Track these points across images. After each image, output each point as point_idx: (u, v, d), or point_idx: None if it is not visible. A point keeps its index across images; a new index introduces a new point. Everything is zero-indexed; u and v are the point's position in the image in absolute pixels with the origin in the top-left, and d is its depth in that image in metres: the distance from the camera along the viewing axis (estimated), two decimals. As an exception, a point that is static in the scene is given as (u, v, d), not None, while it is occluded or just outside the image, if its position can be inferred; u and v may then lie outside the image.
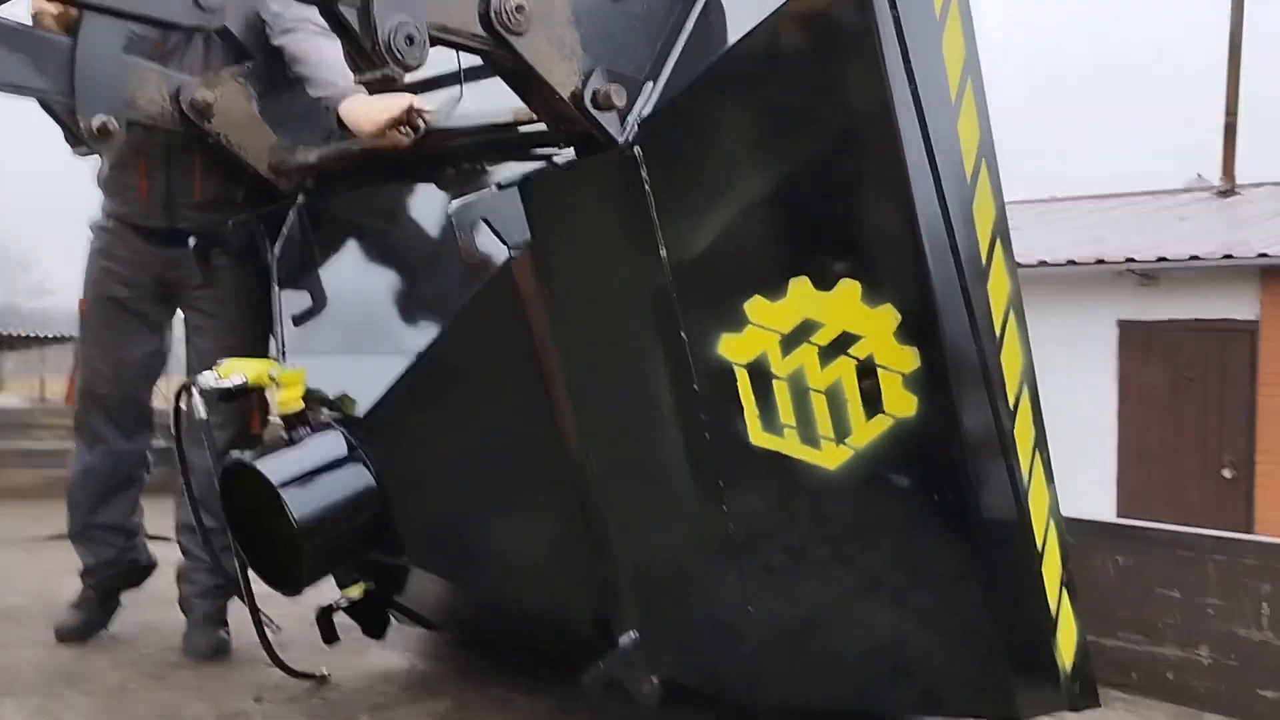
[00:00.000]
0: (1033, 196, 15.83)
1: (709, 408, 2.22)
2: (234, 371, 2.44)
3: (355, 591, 2.55)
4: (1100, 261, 9.84)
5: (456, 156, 2.56)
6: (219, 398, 2.48)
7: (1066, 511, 3.31)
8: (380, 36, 1.80)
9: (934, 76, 2.18)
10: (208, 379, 2.48)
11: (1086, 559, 3.15)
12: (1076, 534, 3.13)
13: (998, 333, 2.31)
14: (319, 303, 2.77)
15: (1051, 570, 2.41)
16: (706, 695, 2.40)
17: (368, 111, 2.55)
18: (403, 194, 2.72)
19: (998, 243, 2.32)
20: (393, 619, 2.96)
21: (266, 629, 2.72)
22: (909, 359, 2.24)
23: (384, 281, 2.62)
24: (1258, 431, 9.13)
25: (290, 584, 2.37)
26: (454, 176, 2.59)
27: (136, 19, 2.40)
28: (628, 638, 2.30)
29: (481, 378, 2.30)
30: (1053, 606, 2.41)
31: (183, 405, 2.65)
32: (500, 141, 2.47)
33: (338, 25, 1.84)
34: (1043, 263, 10.26)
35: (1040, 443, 2.39)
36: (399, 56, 1.82)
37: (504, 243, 2.08)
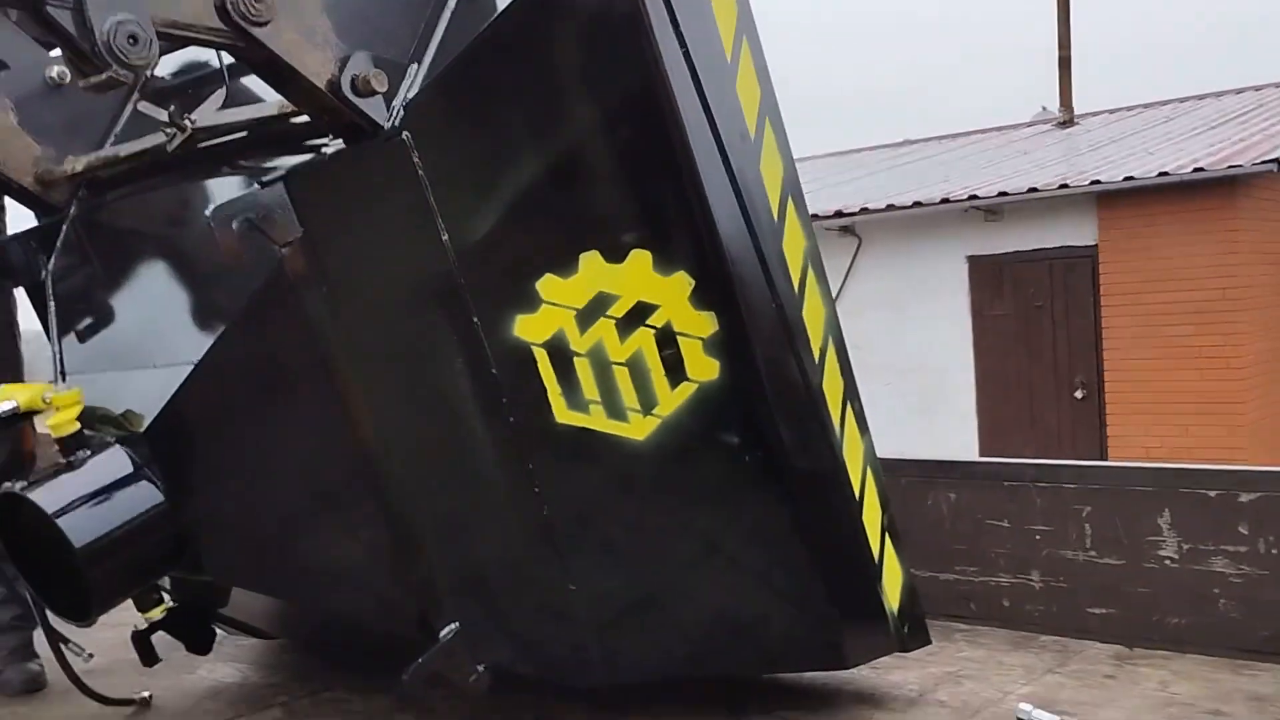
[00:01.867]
0: (885, 141, 16.11)
1: (510, 391, 2.17)
2: (4, 398, 2.30)
3: (157, 613, 2.45)
4: (945, 200, 10.04)
5: (227, 154, 2.45)
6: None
7: (897, 453, 3.39)
8: (99, 37, 1.69)
9: (707, 40, 2.16)
10: (-24, 407, 2.33)
11: (920, 498, 3.20)
12: (906, 475, 3.19)
13: (796, 289, 2.31)
14: (99, 317, 2.64)
15: (872, 517, 2.44)
16: (537, 680, 2.37)
17: None
18: (175, 197, 2.60)
19: (789, 200, 2.31)
20: (220, 631, 2.86)
21: (78, 657, 2.60)
22: (707, 323, 2.22)
23: (162, 289, 2.50)
24: (1103, 352, 9.45)
25: (81, 612, 2.26)
26: (226, 174, 2.48)
27: None
28: (448, 630, 2.23)
29: (266, 381, 2.21)
30: (875, 552, 2.43)
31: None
32: (271, 136, 2.36)
33: (49, 28, 1.72)
34: (891, 206, 10.42)
35: (850, 393, 2.41)
36: (122, 57, 1.71)
37: (273, 241, 1.98)
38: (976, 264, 10.39)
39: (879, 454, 2.48)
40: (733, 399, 2.25)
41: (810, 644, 2.43)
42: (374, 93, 1.99)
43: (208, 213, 1.93)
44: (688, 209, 2.17)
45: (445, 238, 2.08)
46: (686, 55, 2.11)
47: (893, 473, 2.70)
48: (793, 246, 2.30)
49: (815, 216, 11.72)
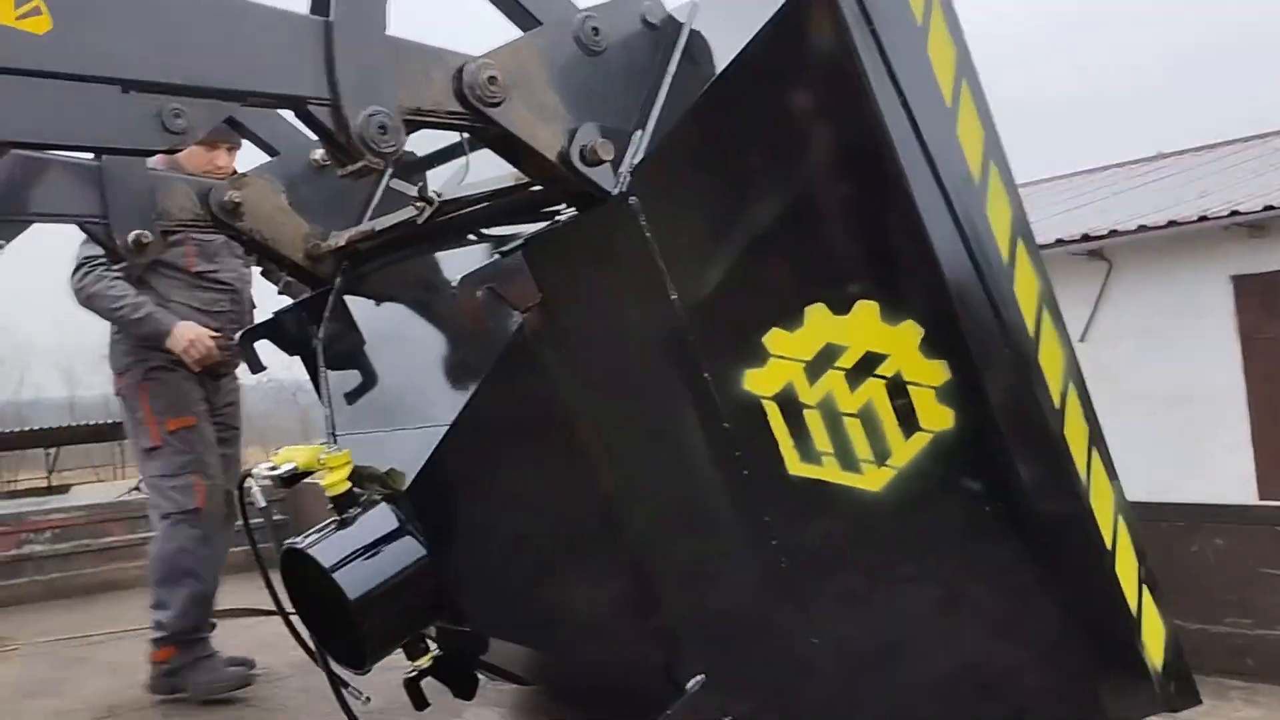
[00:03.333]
0: (1135, 156, 15.31)
1: (743, 444, 2.19)
2: (286, 460, 2.51)
3: (425, 662, 2.59)
4: (1203, 218, 9.44)
5: (471, 224, 2.60)
6: (276, 484, 2.56)
7: (1165, 496, 3.21)
8: (353, 130, 1.84)
9: (924, 85, 2.14)
10: (263, 468, 2.56)
11: (1183, 544, 3.01)
12: (1166, 519, 3.01)
13: (1031, 332, 2.24)
14: (363, 380, 2.84)
15: (1127, 568, 2.32)
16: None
17: (184, 349, 3.63)
18: (425, 265, 2.77)
19: (1019, 241, 2.25)
20: (483, 677, 2.99)
21: (357, 700, 2.78)
22: (938, 372, 2.19)
23: (418, 353, 2.66)
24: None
25: (358, 660, 2.42)
26: (469, 243, 2.63)
27: (106, 151, 2.49)
28: (694, 682, 2.27)
29: (513, 441, 2.31)
30: (1132, 605, 2.31)
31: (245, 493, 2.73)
32: (510, 204, 2.49)
33: (312, 124, 1.88)
34: (1143, 227, 9.89)
35: (1095, 437, 2.30)
36: (374, 146, 1.85)
37: (514, 308, 2.09)
38: (1243, 284, 9.70)
39: (1139, 490, 2.37)
40: (970, 448, 2.20)
41: (1064, 701, 2.33)
42: (601, 161, 2.08)
43: (454, 282, 2.06)
44: (912, 258, 2.15)
45: (674, 296, 2.13)
46: (905, 104, 2.09)
47: (1152, 518, 2.56)
48: (1025, 289, 2.23)
49: (1060, 241, 11.27)
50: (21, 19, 1.63)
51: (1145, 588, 2.33)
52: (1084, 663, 2.28)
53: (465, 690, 2.89)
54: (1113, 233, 10.18)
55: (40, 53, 1.64)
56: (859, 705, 2.29)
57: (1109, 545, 2.28)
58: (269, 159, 2.92)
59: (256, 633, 4.53)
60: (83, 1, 1.66)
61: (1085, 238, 10.48)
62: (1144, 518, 2.39)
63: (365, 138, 1.85)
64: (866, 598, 2.28)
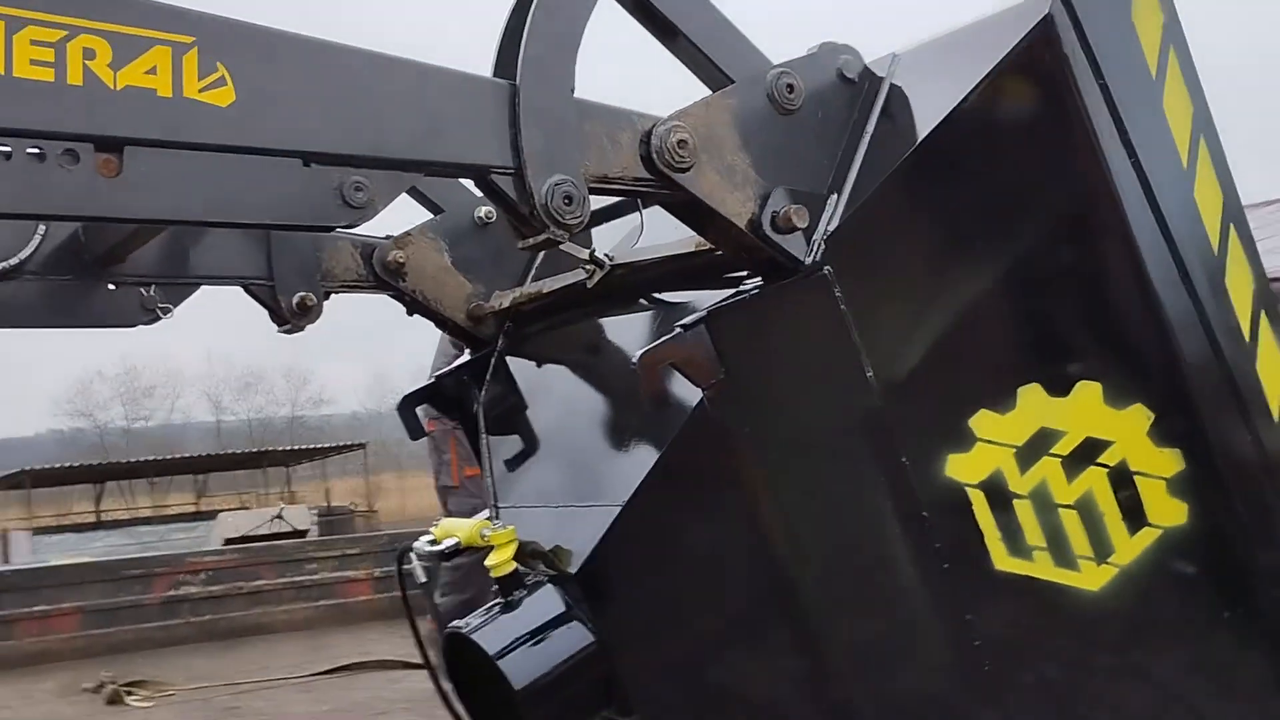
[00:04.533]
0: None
1: (943, 536, 2.01)
2: (448, 535, 2.41)
3: (593, 759, 2.45)
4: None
5: (644, 288, 2.47)
6: (437, 560, 2.46)
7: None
8: (538, 201, 1.73)
9: (1158, 143, 1.93)
10: (423, 543, 2.46)
11: None
12: None
13: (1277, 418, 2.00)
14: (527, 449, 2.72)
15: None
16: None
17: None
18: (596, 331, 2.65)
19: (1262, 315, 2.02)
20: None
21: None
22: (1171, 462, 1.96)
23: (586, 423, 2.54)
24: None
25: None
26: (641, 309, 2.50)
27: (284, 229, 2.44)
28: None
29: (691, 523, 2.17)
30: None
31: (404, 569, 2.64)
32: (687, 270, 2.35)
33: (493, 194, 1.78)
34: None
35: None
36: (558, 218, 1.74)
37: (695, 384, 1.95)
38: None
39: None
40: (1206, 546, 1.97)
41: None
42: (794, 229, 1.93)
43: (634, 356, 1.93)
44: (1143, 335, 1.94)
45: (870, 374, 1.96)
46: (1137, 166, 1.89)
47: None
48: (1270, 368, 2.00)
49: None
50: (205, 91, 1.56)
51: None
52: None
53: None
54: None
55: (224, 127, 1.57)
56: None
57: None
58: (431, 216, 2.84)
59: (407, 687, 4.49)
60: (268, 71, 1.59)
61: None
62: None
63: (550, 209, 1.74)
64: (1079, 704, 2.06)
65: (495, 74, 1.80)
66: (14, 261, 2.46)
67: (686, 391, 2.04)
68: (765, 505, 2.08)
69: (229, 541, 16.00)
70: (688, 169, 1.86)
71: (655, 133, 1.84)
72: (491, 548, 2.34)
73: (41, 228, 2.47)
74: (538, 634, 2.25)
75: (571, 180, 1.76)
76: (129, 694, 4.95)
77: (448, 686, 2.43)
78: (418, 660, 3.33)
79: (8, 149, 1.55)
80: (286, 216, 1.80)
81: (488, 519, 2.45)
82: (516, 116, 1.75)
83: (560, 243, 1.84)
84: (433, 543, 2.45)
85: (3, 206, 1.63)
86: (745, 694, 2.24)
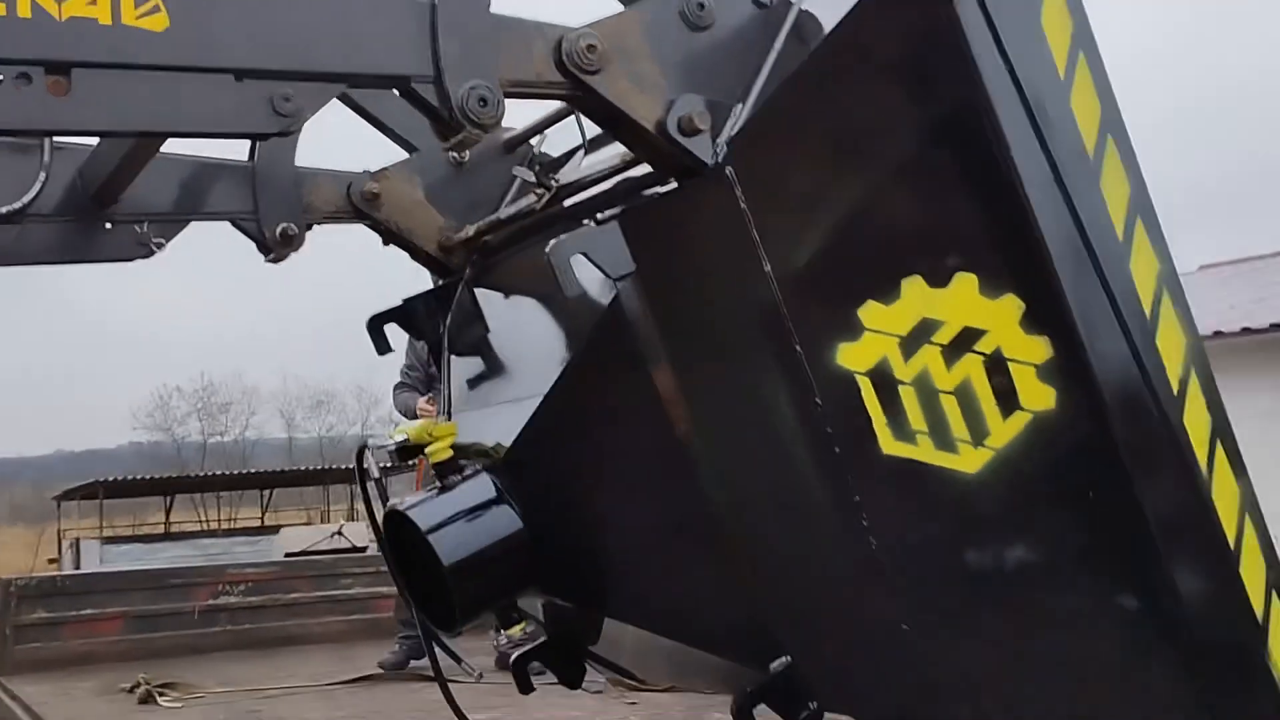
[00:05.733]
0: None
1: (835, 421, 2.17)
2: (399, 432, 2.63)
3: (516, 631, 2.64)
4: None
5: (591, 210, 2.67)
6: (391, 455, 2.68)
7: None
8: (455, 104, 1.94)
9: (1035, 57, 2.08)
10: (379, 441, 2.69)
11: None
12: None
13: (1148, 314, 2.14)
14: (483, 363, 2.94)
15: (1253, 571, 2.16)
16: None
17: None
18: (540, 253, 2.85)
19: (1138, 220, 2.16)
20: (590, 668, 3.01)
21: (470, 675, 2.87)
22: (1041, 349, 2.10)
23: (528, 333, 2.74)
24: None
25: (448, 624, 2.49)
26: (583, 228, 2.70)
27: (219, 136, 2.68)
28: (779, 663, 2.24)
29: (605, 412, 2.35)
30: (1258, 611, 2.15)
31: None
32: (628, 189, 2.55)
33: (415, 100, 1.99)
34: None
35: (1220, 430, 2.17)
36: (474, 119, 1.95)
37: (608, 276, 2.14)
38: None
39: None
40: (1073, 430, 2.10)
41: (1175, 703, 2.17)
42: (699, 132, 2.12)
43: (547, 250, 2.13)
44: (1014, 230, 2.08)
45: (768, 268, 2.14)
46: (1012, 73, 2.04)
47: None
48: (1142, 267, 2.13)
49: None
50: (141, 18, 1.80)
51: (1275, 594, 2.16)
52: (1194, 665, 2.13)
53: (571, 678, 2.92)
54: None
55: (159, 49, 1.80)
56: (952, 694, 2.20)
57: (1231, 544, 2.13)
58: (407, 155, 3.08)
59: (422, 698, 4.75)
60: None
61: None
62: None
63: (466, 110, 1.95)
64: (960, 584, 2.20)
65: None
66: (18, 205, 2.74)
67: (600, 286, 2.23)
68: (672, 396, 2.26)
69: (289, 555, 16.41)
70: (596, 72, 2.06)
71: (566, 38, 2.05)
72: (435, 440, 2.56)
73: (42, 174, 2.75)
74: (468, 514, 2.46)
75: (486, 85, 1.98)
76: (161, 695, 5.25)
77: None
78: (430, 673, 3.54)
79: None
80: (222, 126, 2.05)
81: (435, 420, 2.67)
82: (435, 30, 1.97)
83: (476, 141, 2.05)
84: (385, 440, 2.67)
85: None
86: (656, 574, 2.41)
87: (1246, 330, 10.26)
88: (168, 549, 27.03)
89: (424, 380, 6.16)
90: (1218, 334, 10.34)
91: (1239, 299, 13.00)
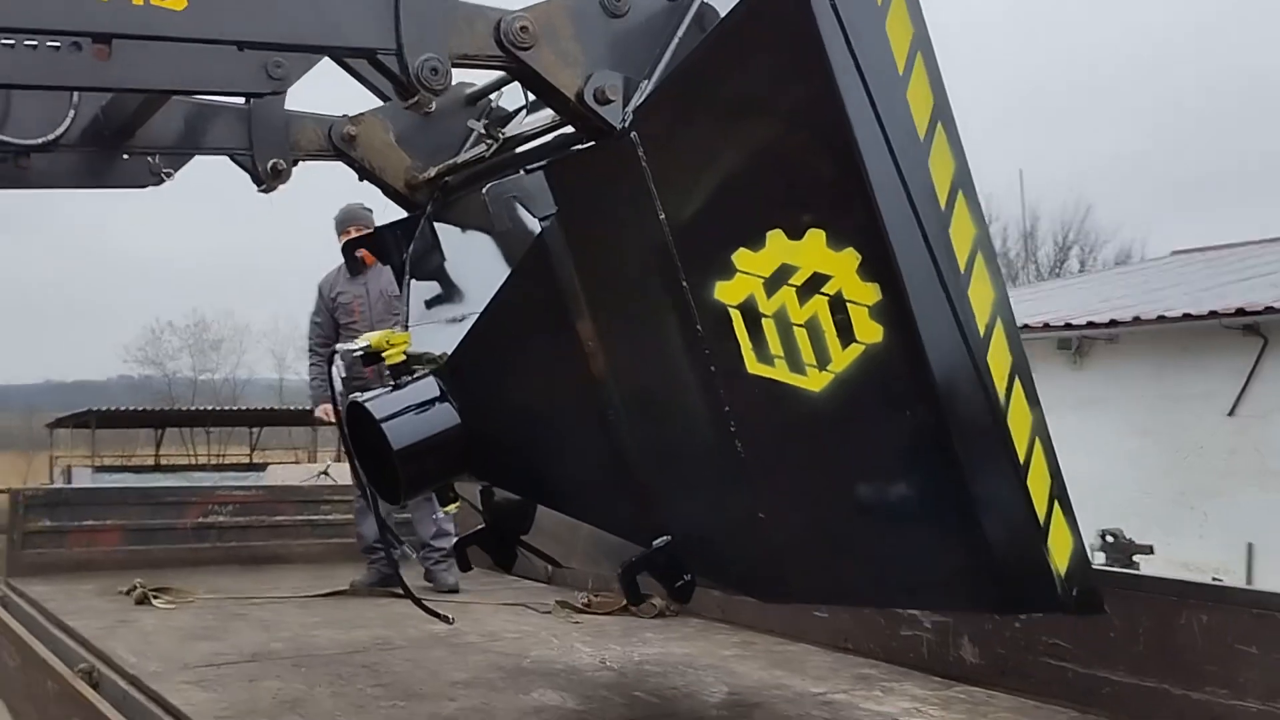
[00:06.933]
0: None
1: (711, 344, 2.66)
2: (363, 339, 3.14)
3: (452, 508, 3.16)
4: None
5: (530, 159, 3.16)
6: (355, 359, 3.19)
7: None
8: (412, 73, 2.42)
9: (878, 55, 2.55)
10: (344, 347, 3.20)
11: (1172, 618, 3.37)
12: (1163, 594, 3.41)
13: (963, 269, 2.62)
14: (439, 285, 3.44)
15: (1039, 482, 2.66)
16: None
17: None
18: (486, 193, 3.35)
19: (959, 193, 2.63)
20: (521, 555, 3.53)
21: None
22: (872, 293, 2.59)
23: (474, 261, 3.25)
24: None
25: (395, 497, 3.01)
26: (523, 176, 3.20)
27: (225, 94, 3.21)
28: (660, 541, 2.75)
29: (529, 329, 2.85)
30: (1041, 515, 2.65)
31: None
32: (562, 145, 3.04)
33: (381, 68, 2.48)
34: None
35: (1019, 368, 2.65)
36: (427, 85, 2.43)
37: (534, 215, 2.64)
38: None
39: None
40: (895, 360, 2.59)
41: (970, 586, 2.68)
42: (610, 101, 2.60)
43: (484, 191, 2.62)
44: (854, 197, 2.55)
45: (662, 216, 2.63)
46: (858, 66, 2.51)
47: (1150, 590, 3.21)
48: (961, 232, 2.60)
49: (1213, 314, 11.08)
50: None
51: (1057, 503, 2.66)
52: (989, 556, 2.62)
53: (504, 562, 3.45)
54: (1269, 309, 10.00)
55: (179, 24, 2.30)
56: (796, 570, 2.72)
57: (1022, 459, 2.63)
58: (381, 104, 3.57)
59: (387, 610, 5.32)
60: None
61: (1240, 312, 10.34)
62: (1144, 590, 3.12)
63: (421, 78, 2.43)
64: (806, 483, 2.71)
65: None
66: (52, 136, 3.25)
67: (527, 223, 2.72)
68: (583, 317, 2.76)
69: (275, 488, 16.94)
70: (528, 48, 2.54)
71: (504, 20, 2.53)
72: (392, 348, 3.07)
73: (72, 111, 3.26)
74: (415, 409, 2.97)
75: (438, 58, 2.46)
76: (155, 597, 5.71)
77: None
78: (399, 590, 4.11)
79: (34, 43, 2.37)
80: (227, 85, 2.60)
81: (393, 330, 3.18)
82: (398, 12, 2.45)
83: (430, 101, 2.54)
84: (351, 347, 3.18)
85: (39, 80, 2.49)
86: (567, 465, 2.93)
87: (1214, 314, 10.66)
88: (158, 480, 27.49)
89: (332, 339, 6.14)
90: (1186, 316, 10.67)
91: (1210, 283, 13.41)
